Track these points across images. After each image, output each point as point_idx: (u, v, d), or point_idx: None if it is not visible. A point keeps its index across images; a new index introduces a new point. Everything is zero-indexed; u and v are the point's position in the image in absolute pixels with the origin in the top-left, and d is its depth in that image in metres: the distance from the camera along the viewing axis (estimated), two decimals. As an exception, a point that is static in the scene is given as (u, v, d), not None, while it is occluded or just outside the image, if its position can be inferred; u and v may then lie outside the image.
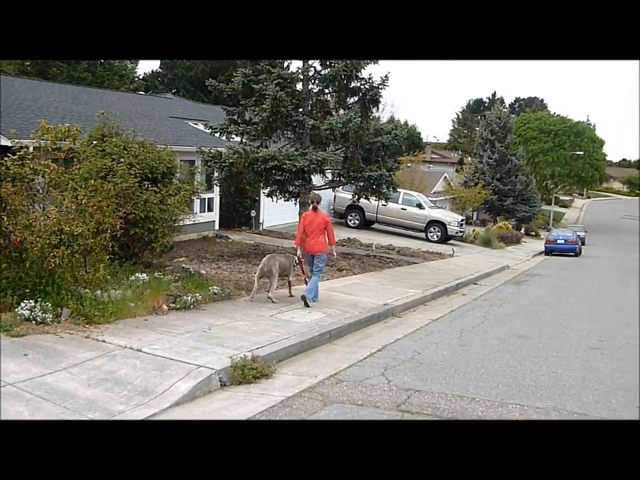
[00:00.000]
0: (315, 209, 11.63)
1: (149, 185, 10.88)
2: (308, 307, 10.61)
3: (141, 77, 52.43)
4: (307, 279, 11.54)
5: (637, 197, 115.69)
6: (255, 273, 11.25)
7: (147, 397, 5.88)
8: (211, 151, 16.19)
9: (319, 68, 16.82)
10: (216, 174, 16.71)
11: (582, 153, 65.88)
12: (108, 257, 9.32)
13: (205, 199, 19.32)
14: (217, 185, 18.67)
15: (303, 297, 10.76)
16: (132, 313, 8.67)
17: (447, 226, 30.09)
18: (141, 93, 41.95)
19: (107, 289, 8.99)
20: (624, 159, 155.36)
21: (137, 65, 52.90)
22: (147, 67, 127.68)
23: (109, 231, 9.04)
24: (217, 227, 21.43)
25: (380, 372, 7.58)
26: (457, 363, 8.33)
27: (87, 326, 7.85)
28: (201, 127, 21.73)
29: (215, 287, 10.67)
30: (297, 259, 11.44)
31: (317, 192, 13.15)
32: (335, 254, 12.26)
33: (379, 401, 6.43)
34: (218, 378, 6.62)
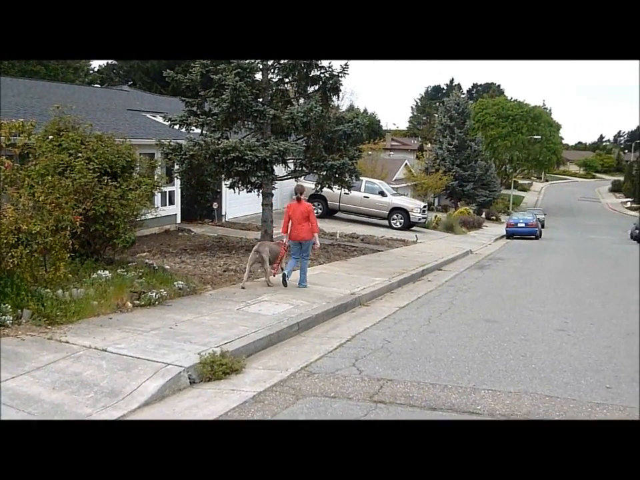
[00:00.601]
0: (298, 199, 12.22)
1: (109, 180, 10.62)
2: (306, 287, 11.89)
3: (95, 70, 51.44)
4: (282, 268, 12.15)
5: (593, 179, 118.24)
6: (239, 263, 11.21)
7: (114, 398, 5.73)
8: (171, 143, 15.90)
9: (278, 57, 16.64)
10: (176, 167, 16.41)
11: (539, 137, 66.98)
12: (68, 255, 9.08)
13: (165, 192, 19.03)
14: (177, 178, 18.38)
15: (300, 284, 11.95)
16: (95, 311, 8.46)
17: (410, 213, 30.18)
18: (96, 85, 41.16)
19: (69, 287, 8.76)
20: (579, 142, 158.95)
21: (91, 58, 51.90)
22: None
23: (69, 228, 8.80)
24: (178, 221, 21.17)
25: (351, 362, 7.52)
26: (427, 350, 8.32)
27: (49, 327, 7.63)
28: (159, 119, 21.37)
29: (180, 282, 10.49)
30: (284, 245, 12.19)
31: (301, 183, 13.94)
32: (318, 243, 12.59)
33: (351, 392, 6.38)
34: (187, 375, 6.49)
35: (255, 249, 11.84)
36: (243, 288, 11.31)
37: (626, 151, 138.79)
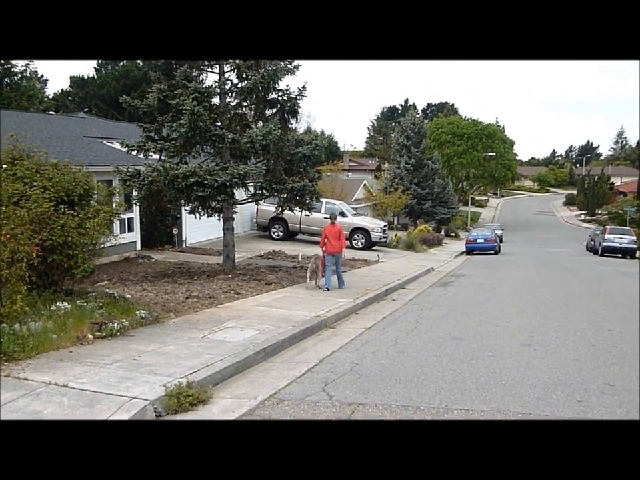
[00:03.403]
0: (332, 222, 16.28)
1: (66, 209, 10.36)
2: (343, 288, 15.81)
3: (50, 97, 50.77)
4: (323, 273, 15.90)
5: (547, 193, 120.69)
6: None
7: (77, 435, 5.50)
8: (129, 169, 15.69)
9: (235, 81, 16.61)
10: (135, 193, 16.17)
11: (494, 154, 68.26)
12: (25, 288, 8.78)
13: (124, 219, 18.74)
14: (136, 205, 18.12)
15: (340, 286, 15.92)
16: (55, 345, 8.17)
17: (371, 232, 30.28)
18: (51, 113, 40.57)
19: (26, 321, 8.47)
20: (533, 158, 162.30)
21: (45, 85, 51.35)
22: (56, 86, 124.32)
23: (25, 260, 8.52)
24: (138, 247, 20.86)
25: (320, 387, 7.40)
26: (396, 371, 8.24)
27: (6, 363, 7.32)
28: (116, 145, 21.07)
29: (142, 311, 10.24)
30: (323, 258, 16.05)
31: (333, 210, 19.54)
32: (345, 255, 17.18)
33: (323, 419, 6.24)
34: (152, 409, 6.28)
35: (312, 261, 16.01)
36: (307, 289, 15.28)
37: (577, 165, 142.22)
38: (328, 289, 15.25)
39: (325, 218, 29.89)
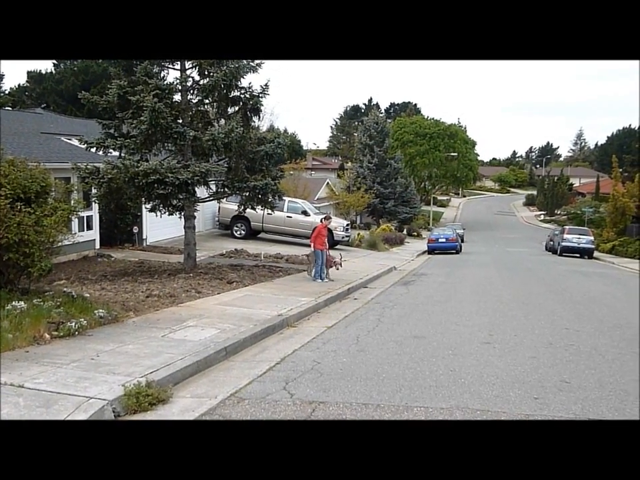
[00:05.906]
0: (321, 221, 18.88)
1: (22, 206, 10.15)
2: (331, 280, 17.52)
3: (6, 92, 49.73)
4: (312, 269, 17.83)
5: (508, 194, 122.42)
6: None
7: (32, 437, 5.39)
8: (88, 166, 15.43)
9: (197, 78, 16.47)
10: (94, 190, 15.92)
11: (456, 154, 69.05)
12: (-21, 287, 8.60)
13: (83, 217, 18.44)
14: (95, 202, 17.82)
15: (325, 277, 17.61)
16: (10, 345, 8.00)
17: (333, 231, 30.27)
18: (7, 108, 39.71)
19: (-20, 321, 8.28)
20: (494, 158, 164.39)
21: (1, 80, 50.29)
22: (13, 81, 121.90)
23: (-21, 258, 8.34)
24: (97, 246, 20.57)
25: (281, 386, 7.38)
26: (357, 369, 8.27)
27: (-41, 364, 7.16)
28: (75, 142, 20.74)
29: (101, 310, 10.09)
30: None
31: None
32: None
33: (283, 418, 6.23)
34: (111, 409, 6.18)
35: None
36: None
37: (537, 166, 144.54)
38: (320, 280, 17.28)
39: (288, 217, 30.09)
